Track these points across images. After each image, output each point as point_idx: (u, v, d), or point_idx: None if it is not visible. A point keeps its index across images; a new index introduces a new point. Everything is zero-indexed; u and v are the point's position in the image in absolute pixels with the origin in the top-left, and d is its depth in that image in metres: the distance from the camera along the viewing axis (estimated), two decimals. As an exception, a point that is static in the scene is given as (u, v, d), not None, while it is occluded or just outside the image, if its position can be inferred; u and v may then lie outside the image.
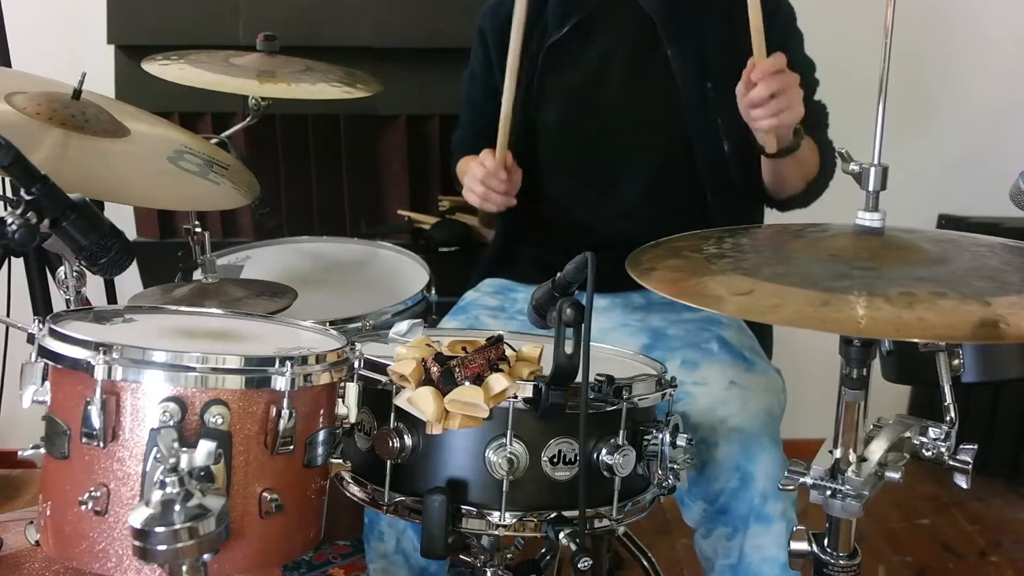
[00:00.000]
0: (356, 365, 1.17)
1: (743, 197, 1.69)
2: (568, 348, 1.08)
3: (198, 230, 1.70)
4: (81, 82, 1.55)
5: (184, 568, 0.90)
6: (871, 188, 1.10)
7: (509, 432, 1.13)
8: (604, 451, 1.17)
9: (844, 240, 1.10)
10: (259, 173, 1.72)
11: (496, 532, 1.16)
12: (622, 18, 1.70)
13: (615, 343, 1.51)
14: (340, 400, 1.14)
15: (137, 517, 0.87)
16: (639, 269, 1.11)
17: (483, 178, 1.58)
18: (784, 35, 1.67)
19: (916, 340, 1.00)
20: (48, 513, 1.07)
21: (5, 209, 1.17)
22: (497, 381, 1.07)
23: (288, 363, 1.05)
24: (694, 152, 1.67)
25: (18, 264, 2.04)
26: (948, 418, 1.06)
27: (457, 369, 1.07)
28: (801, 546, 1.11)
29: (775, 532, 1.43)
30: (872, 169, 1.10)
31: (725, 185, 1.67)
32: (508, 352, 1.11)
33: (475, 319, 1.69)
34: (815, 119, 1.69)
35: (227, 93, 1.84)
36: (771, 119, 1.44)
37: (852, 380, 1.05)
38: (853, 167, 1.11)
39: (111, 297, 2.31)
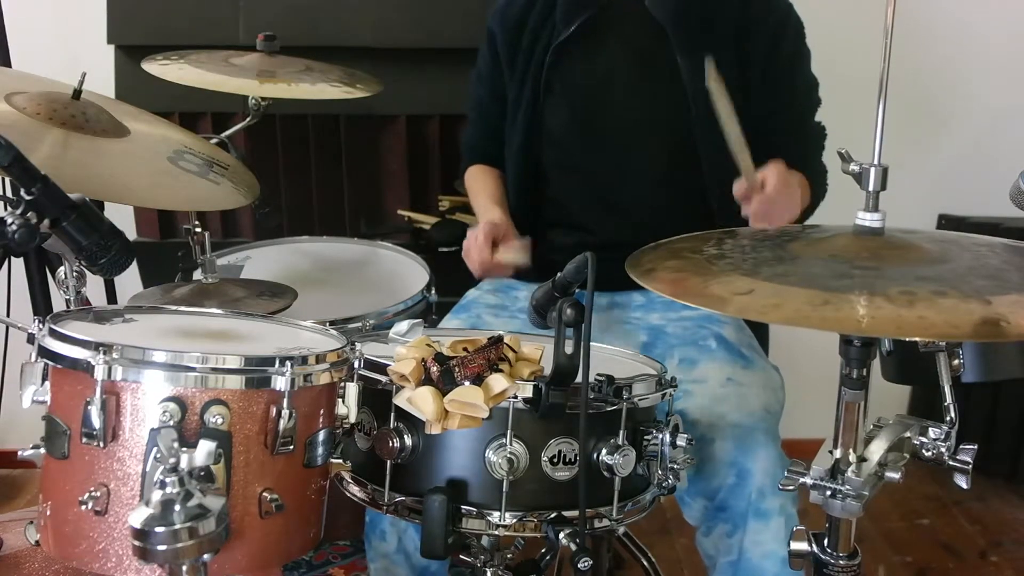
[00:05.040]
0: (356, 365, 1.17)
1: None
2: (568, 348, 1.08)
3: (198, 230, 1.70)
4: (81, 82, 1.55)
5: (184, 568, 0.91)
6: (871, 188, 1.10)
7: (509, 432, 1.13)
8: (604, 451, 1.17)
9: (844, 240, 1.10)
10: (259, 173, 1.72)
11: (496, 532, 1.16)
12: (631, 24, 1.69)
13: (613, 341, 1.51)
14: (340, 400, 1.14)
15: (137, 517, 0.87)
16: (639, 270, 1.11)
17: (479, 264, 1.59)
18: (792, 53, 1.67)
19: (917, 339, 1.00)
20: (48, 513, 1.06)
21: (5, 209, 1.17)
22: (497, 381, 1.07)
23: (288, 363, 1.05)
24: (699, 157, 1.66)
25: (18, 264, 2.04)
26: (948, 418, 1.06)
27: (457, 369, 1.07)
28: (801, 546, 1.11)
29: (774, 528, 1.43)
30: (872, 169, 1.09)
31: (729, 190, 1.67)
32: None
33: (476, 318, 1.69)
34: (812, 143, 1.70)
35: (227, 93, 1.84)
36: (765, 223, 1.45)
37: (852, 380, 1.05)
38: (853, 167, 1.11)
39: (111, 297, 2.31)
